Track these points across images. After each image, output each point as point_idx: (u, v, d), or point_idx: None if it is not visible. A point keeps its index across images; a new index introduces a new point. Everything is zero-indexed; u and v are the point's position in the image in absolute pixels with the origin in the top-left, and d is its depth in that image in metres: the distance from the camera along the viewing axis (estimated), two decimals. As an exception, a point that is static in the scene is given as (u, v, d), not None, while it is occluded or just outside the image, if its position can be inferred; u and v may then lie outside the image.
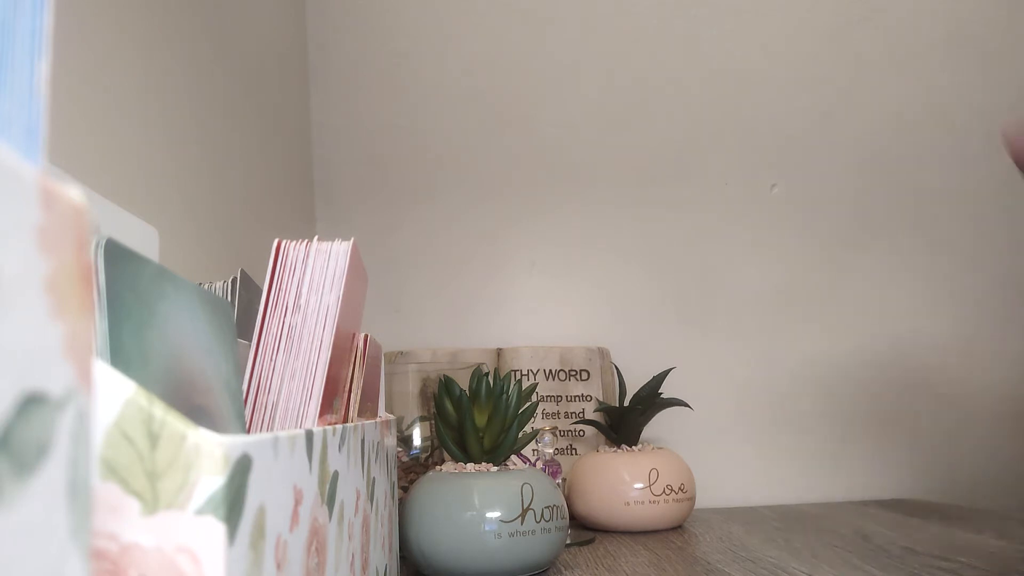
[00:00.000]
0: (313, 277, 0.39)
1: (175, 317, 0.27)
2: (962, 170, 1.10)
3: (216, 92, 0.74)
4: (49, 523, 0.12)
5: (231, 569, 0.20)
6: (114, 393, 0.19)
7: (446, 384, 0.66)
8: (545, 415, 0.96)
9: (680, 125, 1.09)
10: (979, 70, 1.11)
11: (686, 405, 0.89)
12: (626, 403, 0.88)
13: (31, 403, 0.12)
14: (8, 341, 0.11)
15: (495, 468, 0.64)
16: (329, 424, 0.39)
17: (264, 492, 0.22)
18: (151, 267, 0.26)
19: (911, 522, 0.81)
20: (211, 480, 0.19)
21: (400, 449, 0.75)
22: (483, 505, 0.59)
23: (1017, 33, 1.12)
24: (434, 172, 1.08)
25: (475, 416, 0.65)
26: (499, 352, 0.99)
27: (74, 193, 0.13)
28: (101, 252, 0.23)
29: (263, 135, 0.88)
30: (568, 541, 0.75)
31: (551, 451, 0.82)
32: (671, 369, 0.90)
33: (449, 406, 0.66)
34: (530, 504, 0.59)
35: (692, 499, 0.82)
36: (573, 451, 0.96)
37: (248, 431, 0.36)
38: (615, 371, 0.95)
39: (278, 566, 0.24)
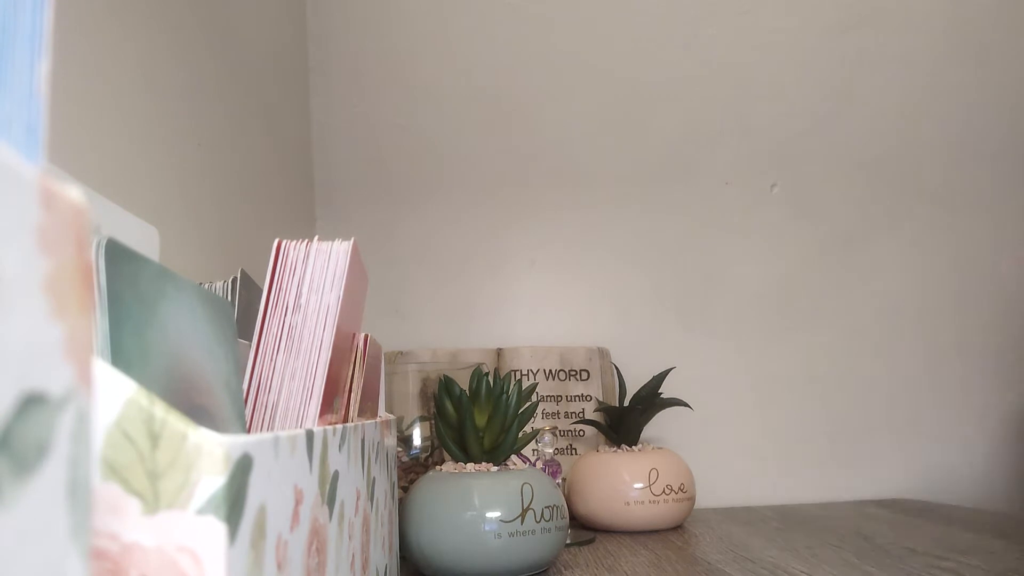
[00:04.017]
0: (313, 277, 0.39)
1: (176, 317, 0.27)
2: (962, 170, 1.10)
3: (216, 92, 0.74)
4: (49, 523, 0.12)
5: (232, 569, 0.20)
6: (115, 393, 0.19)
7: (446, 384, 0.66)
8: (545, 415, 0.96)
9: (680, 125, 1.09)
10: (979, 70, 1.11)
11: (686, 405, 0.89)
12: (626, 403, 0.88)
13: (31, 403, 0.12)
14: (8, 341, 0.11)
15: (495, 468, 0.64)
16: (329, 424, 0.39)
17: (265, 492, 0.22)
18: (151, 267, 0.26)
19: (911, 522, 0.81)
20: (212, 480, 0.19)
21: (400, 449, 0.75)
22: (483, 505, 0.59)
23: (1016, 33, 1.12)
24: (434, 172, 1.08)
25: (475, 416, 0.65)
26: (499, 352, 0.99)
27: (74, 193, 0.13)
28: (101, 252, 0.23)
29: (263, 135, 0.88)
30: (568, 541, 0.75)
31: (551, 451, 0.82)
32: (671, 369, 0.90)
33: (449, 406, 0.66)
34: (530, 504, 0.59)
35: (692, 499, 0.82)
36: (573, 451, 0.96)
37: (248, 431, 0.36)
38: (615, 371, 0.95)
39: (279, 566, 0.24)
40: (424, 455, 0.76)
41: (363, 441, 0.41)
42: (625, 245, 1.07)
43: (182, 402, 0.26)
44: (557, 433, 0.96)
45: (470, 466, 0.64)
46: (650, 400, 0.87)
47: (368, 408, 0.51)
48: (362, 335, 0.48)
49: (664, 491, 0.80)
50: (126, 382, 0.19)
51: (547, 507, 0.60)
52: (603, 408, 0.89)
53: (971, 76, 1.11)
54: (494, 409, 0.65)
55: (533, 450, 0.86)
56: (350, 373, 0.45)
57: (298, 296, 0.39)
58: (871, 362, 1.07)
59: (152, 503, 0.19)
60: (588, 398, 0.97)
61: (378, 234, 1.06)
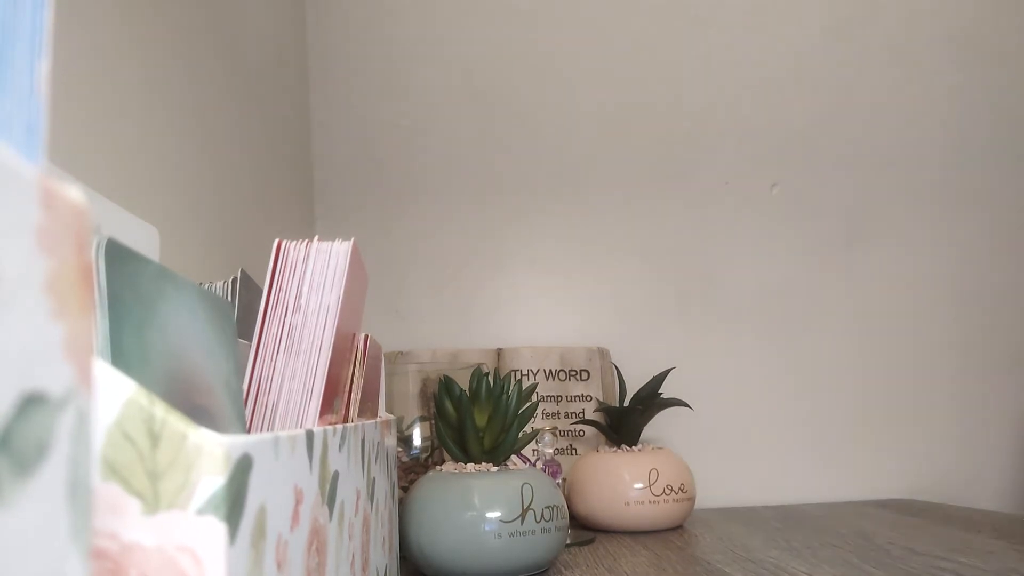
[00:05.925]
0: (313, 277, 0.39)
1: (175, 317, 0.27)
2: (962, 169, 1.10)
3: (216, 92, 0.74)
4: (49, 523, 0.12)
5: (232, 569, 0.20)
6: (115, 393, 0.19)
7: (446, 384, 0.66)
8: (545, 415, 0.96)
9: (680, 125, 1.09)
10: (979, 70, 1.11)
11: (686, 405, 0.89)
12: (626, 403, 0.88)
13: (31, 403, 0.12)
14: (8, 341, 0.11)
15: (495, 468, 0.64)
16: (329, 424, 0.39)
17: (265, 492, 0.22)
18: (151, 267, 0.26)
19: (911, 522, 0.81)
20: (212, 480, 0.19)
21: (400, 449, 0.75)
22: (483, 505, 0.58)
23: (1017, 33, 1.12)
24: (434, 172, 1.08)
25: (475, 416, 0.65)
26: (499, 352, 0.99)
27: (74, 193, 0.13)
28: (102, 252, 0.23)
29: (263, 135, 0.88)
30: (568, 541, 0.75)
31: (551, 451, 0.82)
32: (671, 369, 0.90)
33: (449, 406, 0.66)
34: (530, 504, 0.59)
35: (692, 499, 0.82)
36: (573, 451, 0.96)
37: (248, 431, 0.36)
38: (615, 371, 0.95)
39: (279, 566, 0.24)
40: (424, 455, 0.76)
41: (363, 441, 0.41)
42: (625, 245, 1.07)
43: (182, 402, 0.26)
44: (557, 433, 0.96)
45: (470, 466, 0.64)
46: (650, 400, 0.87)
47: (368, 408, 0.51)
48: (362, 335, 0.48)
49: (664, 491, 0.80)
50: (126, 382, 0.19)
51: (547, 507, 0.60)
52: (603, 408, 0.89)
53: (971, 76, 1.11)
54: (494, 409, 0.65)
55: (533, 450, 0.86)
56: (350, 373, 0.45)
57: (298, 296, 0.39)
58: (871, 362, 1.07)
59: (152, 503, 0.19)
60: (588, 398, 0.97)
61: (378, 234, 1.06)
